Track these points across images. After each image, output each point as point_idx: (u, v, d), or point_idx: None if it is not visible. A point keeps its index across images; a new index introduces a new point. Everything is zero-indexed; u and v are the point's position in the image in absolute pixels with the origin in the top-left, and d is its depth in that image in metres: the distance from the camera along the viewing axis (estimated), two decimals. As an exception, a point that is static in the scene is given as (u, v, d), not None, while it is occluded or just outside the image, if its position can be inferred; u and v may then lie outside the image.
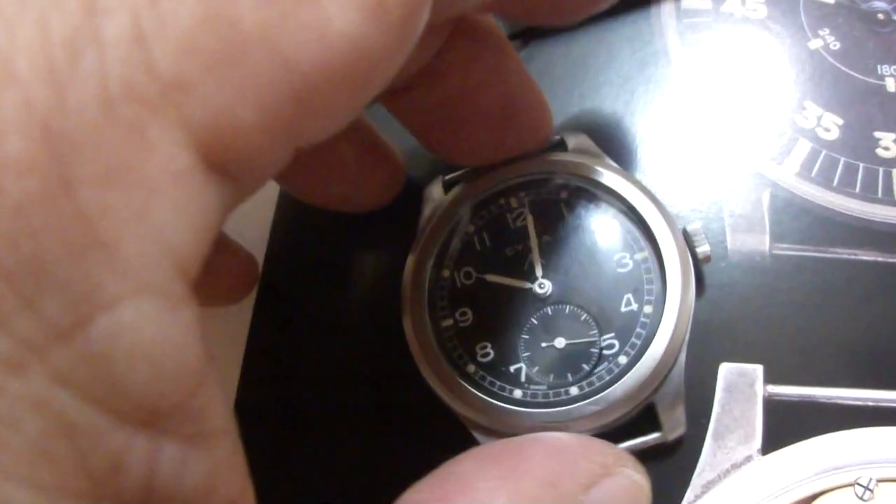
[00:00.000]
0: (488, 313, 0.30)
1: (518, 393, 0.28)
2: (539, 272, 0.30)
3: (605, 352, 0.28)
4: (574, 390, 0.28)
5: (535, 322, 0.29)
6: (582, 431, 0.27)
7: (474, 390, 0.28)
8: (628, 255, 0.30)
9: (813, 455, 0.28)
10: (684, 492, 0.28)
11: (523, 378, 0.29)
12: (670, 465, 0.28)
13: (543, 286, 0.29)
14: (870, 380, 0.28)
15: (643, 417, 0.28)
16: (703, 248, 0.29)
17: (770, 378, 0.29)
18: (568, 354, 0.29)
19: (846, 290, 0.30)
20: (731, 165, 0.34)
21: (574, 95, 0.37)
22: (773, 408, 0.28)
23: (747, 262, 0.31)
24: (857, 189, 0.32)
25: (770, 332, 0.30)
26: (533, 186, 0.31)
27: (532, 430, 0.27)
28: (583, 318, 0.29)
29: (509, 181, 0.31)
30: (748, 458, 0.28)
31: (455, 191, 0.32)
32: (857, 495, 0.27)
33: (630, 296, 0.29)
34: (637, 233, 0.30)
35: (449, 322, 0.30)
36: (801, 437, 0.28)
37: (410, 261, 0.31)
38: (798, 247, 0.31)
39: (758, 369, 0.29)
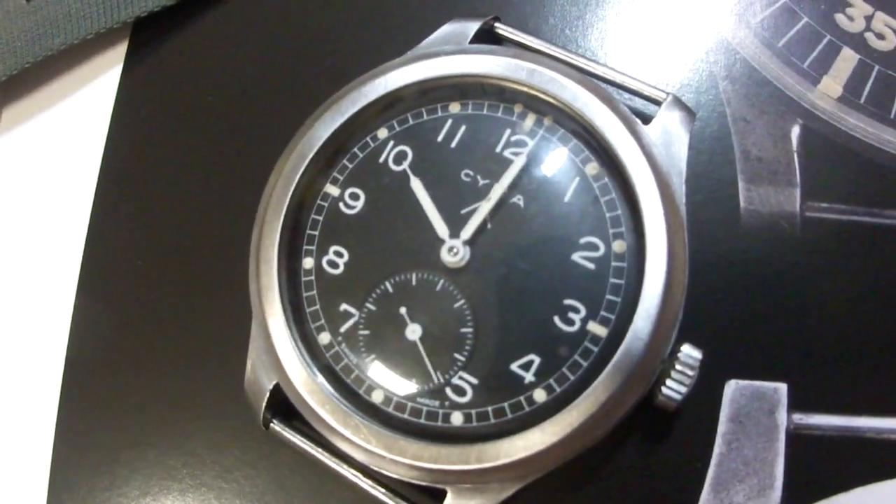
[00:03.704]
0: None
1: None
2: (467, 233, 0.22)
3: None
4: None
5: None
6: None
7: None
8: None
9: (854, 514, 0.22)
10: (672, 568, 0.23)
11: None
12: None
13: (456, 251, 0.22)
14: (937, 407, 0.23)
15: None
16: (667, 393, 0.20)
17: (797, 402, 0.23)
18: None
19: (908, 272, 0.24)
20: (739, 79, 0.26)
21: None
22: (801, 445, 0.23)
23: (769, 230, 0.24)
24: (926, 124, 0.25)
25: (799, 336, 0.24)
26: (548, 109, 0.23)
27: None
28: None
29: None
30: (763, 519, 0.22)
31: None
32: (914, 573, 0.22)
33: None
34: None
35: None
36: (838, 489, 0.22)
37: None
38: (841, 207, 0.25)
39: (780, 389, 0.23)
